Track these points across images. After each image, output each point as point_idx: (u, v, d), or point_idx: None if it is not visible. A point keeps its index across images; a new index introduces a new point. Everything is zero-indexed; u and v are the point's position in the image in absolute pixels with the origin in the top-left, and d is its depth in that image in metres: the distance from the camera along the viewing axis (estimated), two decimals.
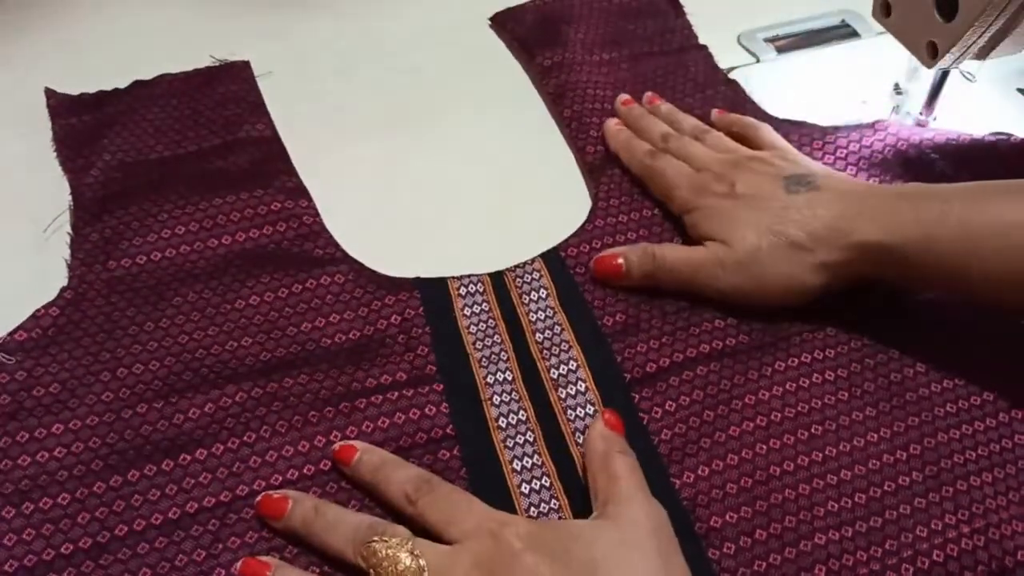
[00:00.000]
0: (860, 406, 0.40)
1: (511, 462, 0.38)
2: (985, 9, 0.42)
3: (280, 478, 0.37)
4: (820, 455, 0.38)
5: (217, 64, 0.56)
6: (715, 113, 0.52)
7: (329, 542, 0.34)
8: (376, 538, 0.33)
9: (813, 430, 0.39)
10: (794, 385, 0.41)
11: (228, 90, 0.54)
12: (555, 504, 0.37)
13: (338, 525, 0.34)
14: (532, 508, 0.37)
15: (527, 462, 0.38)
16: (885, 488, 0.37)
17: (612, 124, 0.52)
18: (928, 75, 0.52)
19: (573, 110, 0.54)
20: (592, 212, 0.48)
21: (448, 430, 0.39)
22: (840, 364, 0.42)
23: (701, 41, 0.57)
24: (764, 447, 0.39)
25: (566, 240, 0.47)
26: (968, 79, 0.55)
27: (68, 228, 0.46)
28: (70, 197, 0.47)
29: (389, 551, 0.32)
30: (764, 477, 0.38)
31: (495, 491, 0.37)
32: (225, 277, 0.44)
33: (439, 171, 0.52)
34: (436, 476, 0.36)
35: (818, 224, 0.41)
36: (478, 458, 0.38)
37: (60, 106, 0.52)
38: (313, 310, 0.43)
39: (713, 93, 0.55)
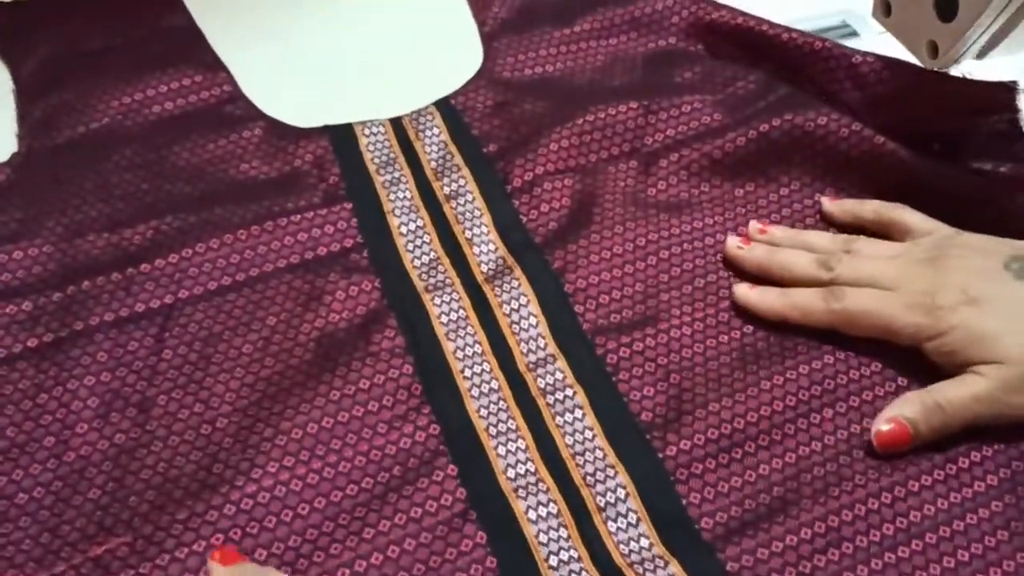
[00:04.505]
0: (698, 200, 0.48)
1: (412, 262, 0.45)
2: (985, 9, 0.43)
3: (215, 284, 0.44)
4: (667, 232, 0.46)
5: None
6: (828, 203, 0.46)
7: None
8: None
9: (660, 217, 0.47)
10: (654, 189, 0.48)
11: None
12: (446, 280, 0.44)
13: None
14: (429, 288, 0.44)
15: (424, 259, 0.45)
16: (717, 259, 0.45)
17: (744, 287, 0.43)
18: None
19: None
20: (480, 70, 0.55)
21: (358, 239, 0.46)
22: (682, 167, 0.49)
23: None
24: (621, 229, 0.46)
25: (456, 91, 0.54)
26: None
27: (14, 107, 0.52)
28: (13, 83, 0.53)
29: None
30: (620, 252, 0.45)
31: (401, 281, 0.44)
32: (158, 138, 0.50)
33: (348, 41, 0.59)
34: None
35: None
36: (385, 259, 0.45)
37: None
38: (237, 158, 0.50)
39: None
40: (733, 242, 0.45)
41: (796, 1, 0.63)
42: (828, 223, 0.46)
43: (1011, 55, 0.47)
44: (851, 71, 0.50)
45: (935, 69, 0.50)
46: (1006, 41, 0.45)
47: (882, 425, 0.38)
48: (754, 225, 0.46)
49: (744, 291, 0.42)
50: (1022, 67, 0.55)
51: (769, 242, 0.45)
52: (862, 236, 0.43)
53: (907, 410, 0.38)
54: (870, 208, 0.45)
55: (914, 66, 0.49)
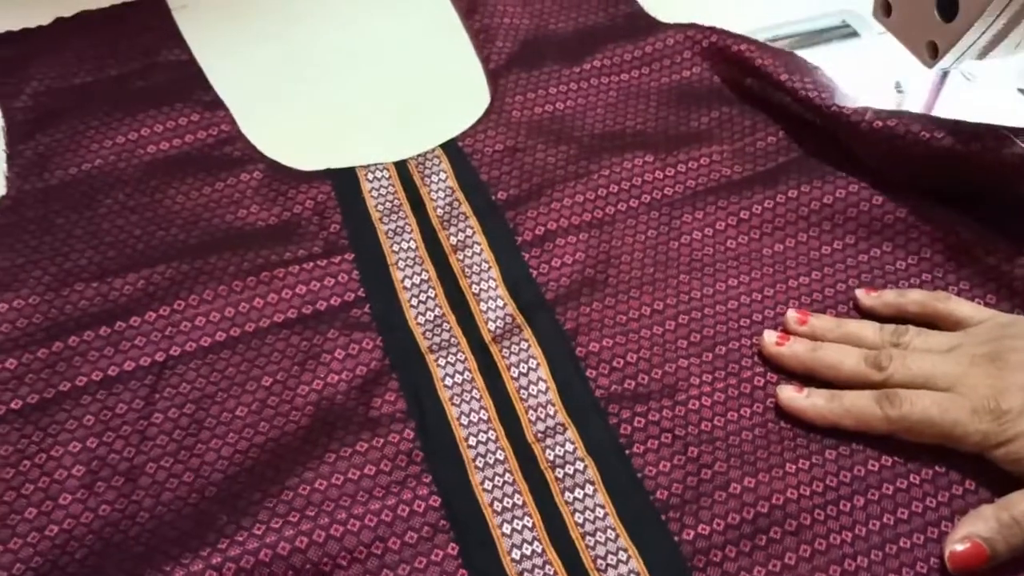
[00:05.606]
0: (723, 258, 0.45)
1: (416, 317, 0.43)
2: (985, 9, 0.42)
3: (209, 340, 0.42)
4: (687, 295, 0.43)
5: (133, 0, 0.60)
6: (865, 297, 0.43)
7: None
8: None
9: (680, 278, 0.44)
10: (665, 247, 0.46)
11: (145, 22, 0.58)
12: (451, 339, 0.42)
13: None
14: (433, 348, 0.42)
15: (429, 315, 0.43)
16: (741, 324, 0.42)
17: (789, 391, 0.39)
18: (929, 75, 0.52)
19: (482, 23, 0.59)
20: (488, 109, 0.53)
21: (359, 292, 0.44)
22: (707, 224, 0.46)
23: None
24: (638, 292, 0.44)
25: (463, 132, 0.51)
26: (968, 79, 0.55)
27: (3, 147, 0.50)
28: (2, 120, 0.51)
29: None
30: (636, 316, 0.43)
31: (403, 339, 0.42)
32: (152, 181, 0.48)
33: (350, 78, 0.57)
34: None
35: None
36: (387, 314, 0.43)
37: None
38: (235, 203, 0.48)
39: (615, 11, 0.59)
40: (770, 338, 0.41)
41: (796, 1, 0.62)
42: (867, 317, 0.43)
43: (1011, 55, 0.46)
44: (861, 140, 0.46)
45: (930, 114, 0.47)
46: (1006, 41, 0.44)
47: (956, 545, 0.34)
48: (792, 315, 0.42)
49: (790, 395, 0.39)
50: (1022, 67, 0.55)
51: (809, 334, 0.41)
52: (911, 326, 0.40)
53: (982, 528, 0.34)
54: (913, 300, 0.42)
55: (916, 130, 0.44)
